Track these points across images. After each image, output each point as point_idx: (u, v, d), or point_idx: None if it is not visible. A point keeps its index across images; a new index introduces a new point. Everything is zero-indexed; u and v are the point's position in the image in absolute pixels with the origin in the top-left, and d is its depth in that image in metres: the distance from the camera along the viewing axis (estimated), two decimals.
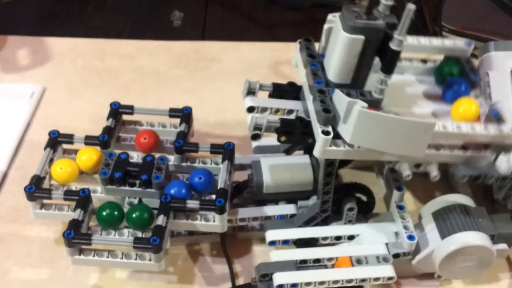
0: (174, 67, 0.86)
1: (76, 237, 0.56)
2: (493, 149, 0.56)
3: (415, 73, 0.65)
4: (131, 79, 0.84)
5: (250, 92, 0.60)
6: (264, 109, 0.58)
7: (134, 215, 0.57)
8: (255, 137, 0.57)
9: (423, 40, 0.63)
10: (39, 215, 0.61)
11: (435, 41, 0.63)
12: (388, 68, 0.52)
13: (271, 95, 0.61)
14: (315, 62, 0.57)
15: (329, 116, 0.52)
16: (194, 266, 0.64)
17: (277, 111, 0.58)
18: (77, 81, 0.83)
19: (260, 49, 0.88)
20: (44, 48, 0.87)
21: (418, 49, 0.63)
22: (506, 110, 0.64)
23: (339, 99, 0.52)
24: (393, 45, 0.51)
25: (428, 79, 0.65)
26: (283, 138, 0.57)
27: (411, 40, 0.62)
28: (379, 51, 0.53)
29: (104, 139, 0.63)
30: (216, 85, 0.83)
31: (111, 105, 0.67)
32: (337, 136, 0.52)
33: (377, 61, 0.54)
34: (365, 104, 0.50)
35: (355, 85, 0.55)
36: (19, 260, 0.64)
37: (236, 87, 0.82)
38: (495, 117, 0.57)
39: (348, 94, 0.53)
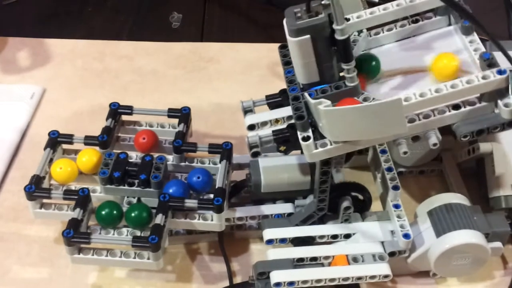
0: (172, 68, 0.86)
1: (75, 236, 0.57)
2: (488, 98, 0.53)
3: (411, 35, 0.61)
4: (130, 80, 0.84)
5: (247, 111, 0.61)
6: (264, 123, 0.59)
7: (133, 214, 0.58)
8: (255, 155, 0.57)
9: (403, 2, 0.55)
10: (38, 215, 0.62)
11: None
12: (345, 57, 0.52)
13: (270, 107, 0.61)
14: (290, 68, 0.58)
15: (304, 122, 0.52)
16: (192, 265, 0.65)
17: (277, 121, 0.58)
18: (76, 82, 0.84)
19: (258, 50, 0.89)
20: (44, 50, 0.88)
21: (400, 13, 0.57)
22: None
23: (308, 102, 0.52)
24: (337, 36, 0.51)
25: (421, 38, 0.60)
26: (282, 148, 0.57)
27: (391, 6, 0.56)
28: (332, 43, 0.52)
29: (104, 139, 0.64)
30: (214, 86, 0.84)
31: (110, 105, 0.67)
32: (323, 136, 0.52)
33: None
34: (328, 102, 0.50)
35: (325, 80, 0.54)
36: (19, 259, 0.65)
37: (234, 88, 0.83)
38: (486, 60, 0.53)
39: (323, 91, 0.53)
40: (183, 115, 0.67)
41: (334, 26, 0.50)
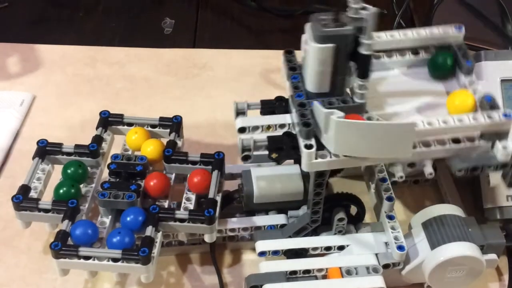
0: (164, 75, 0.85)
1: (63, 248, 0.55)
2: (488, 138, 0.54)
3: (408, 66, 0.62)
4: (121, 87, 0.83)
5: (240, 112, 0.60)
6: (255, 128, 0.57)
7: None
8: (246, 158, 0.57)
9: (410, 33, 0.60)
10: (27, 225, 0.61)
11: (423, 32, 0.60)
12: (363, 72, 0.52)
13: (262, 112, 0.61)
14: (296, 74, 0.57)
15: (309, 130, 0.52)
16: (183, 276, 0.64)
17: (268, 127, 0.57)
18: (67, 89, 0.83)
19: (251, 56, 0.88)
20: (35, 56, 0.87)
21: (406, 43, 0.60)
22: None
23: (318, 111, 0.52)
24: (362, 50, 0.51)
25: (422, 70, 0.62)
26: (274, 155, 0.56)
27: (398, 35, 0.60)
28: (352, 56, 0.52)
29: (94, 148, 0.63)
30: (207, 93, 0.83)
31: (100, 113, 0.66)
32: (323, 147, 0.52)
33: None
34: (342, 114, 0.50)
35: (334, 92, 0.54)
36: (7, 270, 0.64)
37: (226, 95, 0.82)
38: (488, 103, 0.55)
39: (330, 103, 0.53)
40: (174, 124, 0.66)
41: (363, 40, 0.50)
